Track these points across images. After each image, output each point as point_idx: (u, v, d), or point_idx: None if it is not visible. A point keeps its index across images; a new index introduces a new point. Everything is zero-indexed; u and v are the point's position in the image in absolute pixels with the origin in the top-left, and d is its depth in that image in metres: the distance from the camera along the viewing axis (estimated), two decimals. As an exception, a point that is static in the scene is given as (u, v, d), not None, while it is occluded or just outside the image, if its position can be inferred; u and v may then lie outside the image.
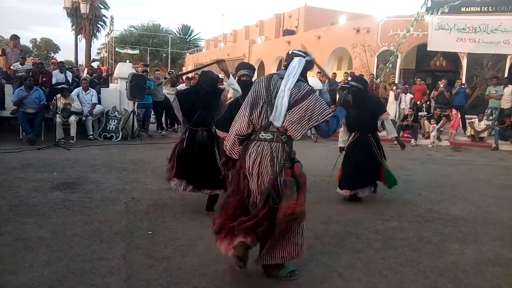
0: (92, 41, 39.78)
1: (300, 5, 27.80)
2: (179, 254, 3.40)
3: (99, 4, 38.05)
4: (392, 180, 5.14)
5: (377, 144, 5.12)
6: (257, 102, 2.80)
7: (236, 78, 4.58)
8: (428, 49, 15.09)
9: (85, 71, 13.70)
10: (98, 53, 46.39)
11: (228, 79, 4.26)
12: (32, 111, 8.38)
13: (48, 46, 58.97)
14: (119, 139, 9.32)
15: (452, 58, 16.25)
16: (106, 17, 38.75)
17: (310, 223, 4.24)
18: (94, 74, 11.59)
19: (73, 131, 8.62)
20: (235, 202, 2.82)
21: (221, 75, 5.23)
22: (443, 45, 14.86)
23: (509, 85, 11.91)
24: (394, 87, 13.06)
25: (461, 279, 3.20)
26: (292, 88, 2.73)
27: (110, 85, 12.18)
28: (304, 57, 2.84)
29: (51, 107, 8.73)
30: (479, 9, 14.65)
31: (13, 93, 8.82)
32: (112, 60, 29.05)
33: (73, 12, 21.47)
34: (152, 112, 11.24)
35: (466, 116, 12.46)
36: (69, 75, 10.29)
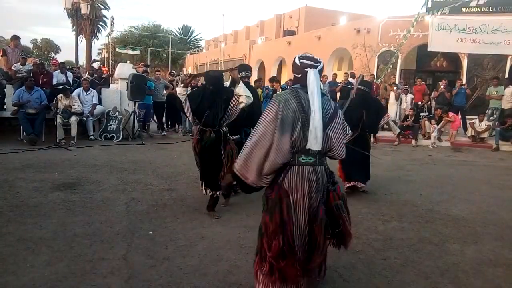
0: (93, 41, 39.81)
1: (301, 5, 27.79)
2: (180, 254, 3.41)
3: (99, 5, 38.06)
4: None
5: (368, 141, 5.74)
6: (294, 122, 2.41)
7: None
8: (429, 49, 15.06)
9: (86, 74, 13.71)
10: (99, 54, 46.43)
11: (238, 86, 4.35)
12: (33, 112, 8.39)
13: (48, 47, 59.04)
14: (119, 139, 9.32)
15: (453, 58, 16.24)
16: (106, 17, 38.80)
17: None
18: (95, 75, 11.60)
19: (73, 132, 8.63)
20: (281, 238, 2.42)
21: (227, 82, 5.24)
22: (443, 45, 14.83)
23: (510, 86, 11.89)
24: (395, 88, 13.07)
25: (461, 279, 3.20)
26: (322, 105, 2.47)
27: (111, 85, 12.19)
28: (316, 67, 2.51)
29: (52, 107, 8.74)
30: (479, 10, 14.63)
31: (13, 93, 8.83)
32: (112, 61, 29.06)
33: (74, 13, 21.52)
34: (153, 113, 11.25)
35: (466, 116, 12.45)
36: (70, 75, 10.29)
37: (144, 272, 3.07)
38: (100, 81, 10.82)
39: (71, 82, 9.98)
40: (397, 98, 12.59)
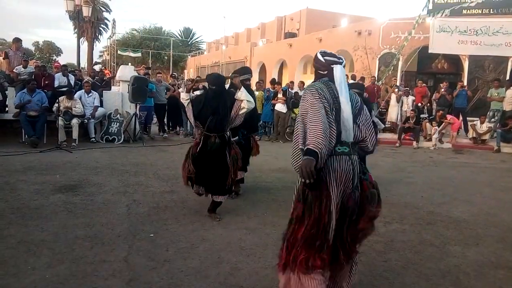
0: (94, 44, 39.89)
1: (302, 7, 27.83)
2: (181, 256, 3.41)
3: (101, 7, 38.17)
4: None
5: None
6: (330, 111, 2.42)
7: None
8: (430, 51, 15.06)
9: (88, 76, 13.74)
10: (100, 56, 46.49)
11: (239, 92, 4.36)
12: (34, 114, 8.41)
13: (50, 49, 59.18)
14: (121, 141, 9.34)
15: (454, 60, 16.23)
16: (108, 20, 38.85)
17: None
18: (96, 77, 11.63)
19: (75, 134, 8.64)
20: (315, 231, 2.41)
21: None
22: (444, 47, 14.84)
23: (511, 88, 11.89)
24: (396, 90, 13.07)
25: (463, 281, 3.20)
26: (350, 99, 2.52)
27: (112, 87, 12.22)
28: (341, 63, 2.56)
29: (53, 109, 8.76)
30: (480, 12, 14.63)
31: (15, 96, 8.86)
32: (114, 63, 29.11)
33: (75, 15, 21.60)
34: (154, 115, 11.27)
35: (468, 118, 12.44)
36: (72, 78, 10.32)
37: (145, 274, 3.07)
38: (101, 83, 10.85)
39: (72, 84, 10.01)
40: (398, 100, 12.60)
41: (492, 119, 11.78)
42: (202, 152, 4.30)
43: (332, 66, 2.55)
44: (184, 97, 4.41)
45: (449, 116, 11.43)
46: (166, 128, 11.46)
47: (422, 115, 11.89)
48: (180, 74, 31.78)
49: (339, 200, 2.45)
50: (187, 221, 4.27)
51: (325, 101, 2.42)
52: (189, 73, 39.11)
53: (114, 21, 29.93)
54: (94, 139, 9.18)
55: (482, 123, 11.34)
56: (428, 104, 12.81)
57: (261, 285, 2.99)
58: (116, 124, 9.50)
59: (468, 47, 14.33)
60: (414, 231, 4.29)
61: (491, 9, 14.52)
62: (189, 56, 42.28)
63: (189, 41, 47.96)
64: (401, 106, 12.60)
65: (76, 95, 9.17)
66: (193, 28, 51.01)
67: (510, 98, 11.68)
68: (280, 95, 11.49)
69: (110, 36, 32.22)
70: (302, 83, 12.93)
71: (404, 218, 4.68)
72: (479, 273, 3.35)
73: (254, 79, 23.30)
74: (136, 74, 10.30)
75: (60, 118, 8.42)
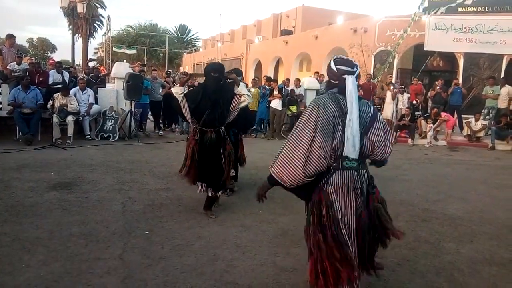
0: (89, 40, 39.74)
1: (298, 5, 27.81)
2: (176, 254, 3.41)
3: (96, 4, 37.98)
4: None
5: None
6: (335, 126, 2.40)
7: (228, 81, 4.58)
8: (425, 49, 15.12)
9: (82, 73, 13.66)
10: (95, 53, 46.31)
11: (238, 87, 4.31)
12: (28, 111, 8.36)
13: (44, 46, 58.83)
14: (116, 139, 9.30)
15: (449, 58, 16.29)
16: (103, 16, 38.73)
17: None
18: (91, 74, 11.56)
19: (70, 131, 8.60)
20: (322, 238, 2.45)
21: None
22: (440, 45, 14.91)
23: (506, 85, 11.96)
24: (392, 87, 13.11)
25: (457, 278, 3.21)
26: (360, 111, 2.46)
27: (107, 85, 12.16)
28: (353, 73, 2.48)
29: (48, 107, 8.70)
30: (475, 10, 14.70)
31: (9, 92, 8.79)
32: (109, 60, 29.00)
33: (70, 12, 21.45)
34: (149, 112, 11.23)
35: (463, 116, 12.51)
36: (66, 75, 10.24)
37: (140, 272, 3.06)
38: (96, 80, 10.79)
39: (67, 81, 9.94)
40: (394, 97, 12.62)
41: (487, 117, 11.85)
42: (199, 148, 4.22)
43: (343, 76, 2.47)
44: (178, 91, 4.19)
45: (443, 114, 11.48)
46: (161, 125, 11.42)
47: (417, 113, 11.93)
48: (176, 71, 31.67)
49: (355, 214, 2.46)
50: (182, 219, 4.26)
51: (328, 117, 2.40)
52: (185, 70, 38.98)
53: (109, 17, 29.88)
54: (89, 136, 9.13)
55: (476, 120, 11.39)
56: (422, 102, 12.87)
57: (257, 282, 3.00)
58: (111, 122, 9.45)
59: (463, 44, 14.40)
60: (409, 228, 4.31)
61: (486, 7, 14.59)
62: (184, 53, 42.20)
63: (185, 38, 47.83)
64: (396, 104, 12.63)
65: (71, 92, 9.11)
66: (188, 25, 51.03)
67: (505, 95, 11.75)
68: (276, 93, 11.49)
69: (105, 33, 32.11)
70: (298, 80, 12.93)
71: (399, 215, 4.69)
72: (473, 270, 3.37)
73: (250, 76, 23.31)
74: (131, 71, 10.23)
75: (54, 115, 8.37)
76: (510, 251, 3.80)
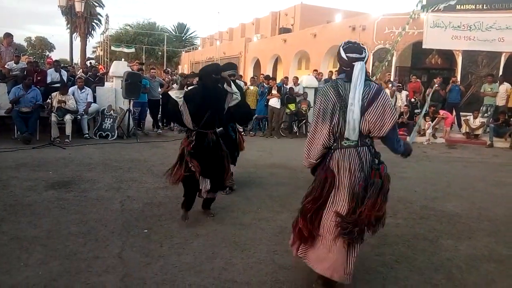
0: (87, 39, 39.59)
1: (296, 3, 27.79)
2: (175, 252, 3.41)
3: (94, 2, 37.84)
4: None
5: None
6: (333, 111, 2.68)
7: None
8: (424, 46, 15.13)
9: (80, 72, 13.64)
10: (94, 52, 46.17)
11: (230, 87, 4.26)
12: (27, 110, 8.34)
13: (43, 45, 58.60)
14: (114, 137, 9.29)
15: (447, 55, 16.30)
16: (101, 15, 38.58)
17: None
18: (89, 73, 11.54)
19: (68, 130, 8.59)
20: (315, 208, 2.78)
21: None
22: (438, 43, 14.92)
23: (504, 83, 11.98)
24: (390, 85, 13.11)
25: (455, 275, 3.22)
26: (363, 93, 2.62)
27: (106, 83, 12.14)
28: (363, 59, 2.68)
29: (45, 106, 8.69)
30: (474, 7, 14.71)
31: (7, 91, 8.78)
32: (107, 59, 28.93)
33: (68, 11, 21.35)
34: (148, 111, 11.22)
35: (461, 113, 12.52)
36: (64, 73, 10.23)
37: (139, 270, 3.06)
38: (94, 79, 10.77)
39: (65, 80, 9.92)
40: (392, 95, 12.62)
41: (485, 114, 11.86)
42: (199, 150, 3.99)
43: (353, 63, 2.65)
44: (178, 95, 3.92)
45: (442, 111, 11.49)
46: (160, 124, 11.42)
47: (415, 110, 11.94)
48: (174, 70, 31.64)
49: (351, 189, 2.67)
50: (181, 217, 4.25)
51: (327, 104, 2.70)
52: (183, 68, 38.97)
53: (107, 16, 29.80)
54: (87, 135, 9.12)
55: (475, 118, 11.41)
56: (420, 99, 12.87)
57: (255, 280, 3.00)
58: (109, 120, 9.44)
59: (461, 42, 14.41)
60: (407, 225, 4.32)
61: (485, 5, 14.59)
62: (183, 52, 42.13)
63: (183, 36, 47.76)
64: (395, 102, 12.63)
65: (69, 91, 9.10)
66: (187, 24, 50.84)
67: (503, 93, 11.78)
68: (274, 91, 11.49)
69: (103, 31, 32.03)
70: (296, 78, 12.93)
71: (398, 213, 4.70)
72: (472, 267, 3.38)
73: (249, 74, 23.30)
74: (130, 69, 10.22)
75: (53, 114, 8.35)
76: (508, 248, 3.81)
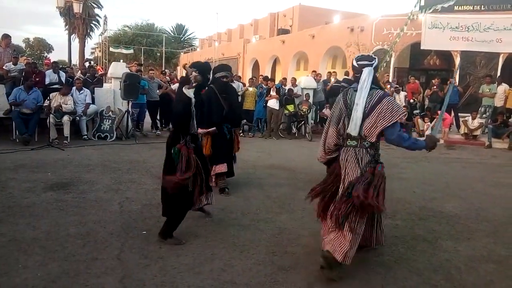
0: (86, 40, 39.59)
1: (295, 4, 27.82)
2: (174, 253, 3.40)
3: (92, 4, 37.85)
4: None
5: None
6: (341, 116, 3.16)
7: (214, 78, 4.55)
8: (422, 47, 15.16)
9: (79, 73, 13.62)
10: (92, 53, 46.18)
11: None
12: (28, 111, 8.31)
13: (41, 46, 58.60)
14: (113, 139, 9.28)
15: (446, 56, 16.33)
16: (99, 16, 38.60)
17: (304, 222, 4.25)
18: (88, 74, 11.52)
19: (66, 131, 8.57)
20: (320, 191, 3.35)
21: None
22: (436, 43, 14.95)
23: (502, 84, 12.01)
24: (388, 86, 13.13)
25: (454, 276, 3.23)
26: (366, 99, 3.00)
27: (104, 84, 12.12)
28: (371, 65, 3.06)
29: (44, 107, 8.67)
30: (472, 8, 14.74)
31: (6, 92, 8.76)
32: (106, 60, 28.92)
33: (66, 12, 21.34)
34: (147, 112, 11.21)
35: (459, 114, 12.54)
36: (63, 75, 10.22)
37: (138, 272, 3.06)
38: (93, 80, 10.76)
39: (64, 81, 9.91)
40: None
41: (484, 115, 11.89)
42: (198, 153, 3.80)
43: (363, 69, 3.05)
44: (191, 96, 3.57)
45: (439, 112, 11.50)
46: (159, 125, 11.41)
47: (414, 111, 11.96)
48: (173, 71, 31.61)
49: (348, 180, 3.07)
50: (180, 218, 4.25)
51: (336, 110, 3.22)
52: (182, 69, 38.92)
53: (105, 17, 29.80)
54: (86, 136, 9.10)
55: (473, 119, 11.42)
56: (420, 100, 12.90)
57: (255, 281, 3.00)
58: (108, 121, 9.43)
59: (459, 43, 14.44)
60: (407, 226, 4.32)
61: (483, 6, 14.63)
62: (181, 53, 42.11)
63: (182, 37, 47.75)
64: (394, 103, 12.64)
65: (68, 92, 9.08)
66: (185, 25, 50.68)
67: (502, 94, 11.81)
68: (273, 93, 11.48)
69: (101, 32, 32.03)
70: (294, 79, 12.94)
71: (397, 214, 4.71)
72: (471, 267, 3.38)
73: (247, 75, 23.31)
74: (128, 71, 10.21)
75: (51, 115, 8.34)
76: (506, 249, 3.81)
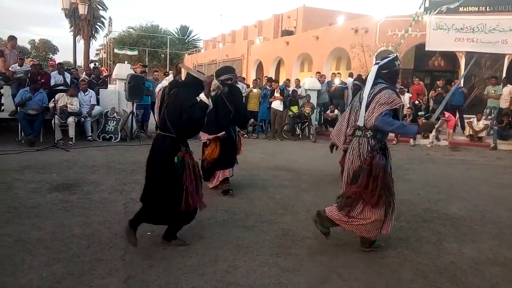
0: (91, 42, 39.74)
1: (299, 5, 27.80)
2: (178, 254, 3.41)
3: (97, 5, 38.03)
4: None
5: None
6: (353, 109, 3.61)
7: (220, 82, 4.56)
8: (426, 49, 15.10)
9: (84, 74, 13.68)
10: (97, 54, 46.34)
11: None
12: (34, 113, 8.35)
13: (46, 47, 58.91)
14: (118, 140, 9.31)
15: (450, 58, 16.26)
16: (104, 18, 38.76)
17: (308, 223, 4.25)
18: (93, 75, 11.58)
19: (71, 132, 8.61)
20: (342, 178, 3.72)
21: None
22: (441, 45, 14.89)
23: (508, 85, 11.93)
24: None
25: (459, 278, 3.21)
26: (369, 91, 3.40)
27: (109, 86, 12.17)
28: (378, 63, 3.47)
29: (50, 108, 8.71)
30: (477, 9, 14.67)
31: (12, 93, 8.82)
32: (110, 61, 29.01)
33: (71, 13, 21.44)
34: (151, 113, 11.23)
35: (464, 115, 12.47)
36: (68, 76, 10.27)
37: (142, 273, 3.07)
38: (98, 81, 10.81)
39: (69, 82, 9.96)
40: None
41: (489, 117, 11.81)
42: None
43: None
44: (210, 104, 3.35)
45: (447, 114, 11.46)
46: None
47: (419, 113, 11.91)
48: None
49: (350, 167, 3.47)
50: (184, 219, 4.25)
51: (352, 107, 3.65)
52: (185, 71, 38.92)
53: (110, 19, 29.83)
54: (90, 137, 9.14)
55: (478, 120, 11.36)
56: (425, 102, 12.84)
57: (259, 283, 3.00)
58: (113, 123, 9.47)
59: (464, 44, 14.37)
60: (411, 228, 4.31)
61: (488, 7, 14.55)
62: (186, 54, 42.18)
63: (186, 39, 47.81)
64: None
65: (73, 93, 9.12)
66: (189, 26, 50.52)
67: (507, 95, 11.73)
68: (277, 94, 11.48)
69: (106, 34, 32.14)
70: (298, 80, 12.94)
71: (401, 215, 4.68)
72: (476, 270, 3.36)
73: (251, 77, 23.32)
74: (133, 72, 10.25)
75: (56, 116, 8.38)
76: (512, 251, 3.79)
